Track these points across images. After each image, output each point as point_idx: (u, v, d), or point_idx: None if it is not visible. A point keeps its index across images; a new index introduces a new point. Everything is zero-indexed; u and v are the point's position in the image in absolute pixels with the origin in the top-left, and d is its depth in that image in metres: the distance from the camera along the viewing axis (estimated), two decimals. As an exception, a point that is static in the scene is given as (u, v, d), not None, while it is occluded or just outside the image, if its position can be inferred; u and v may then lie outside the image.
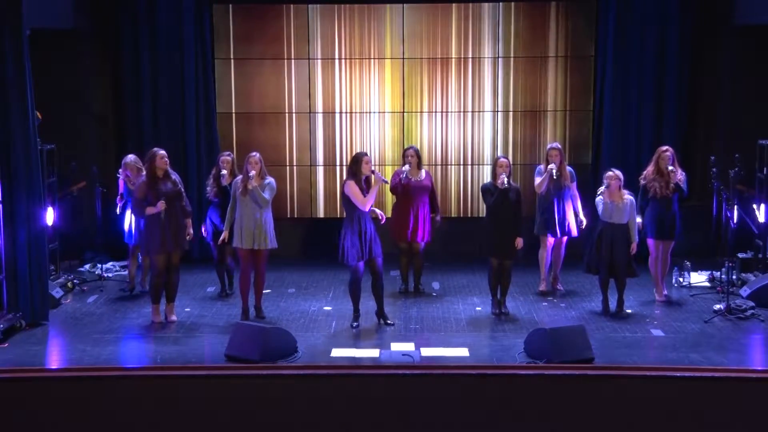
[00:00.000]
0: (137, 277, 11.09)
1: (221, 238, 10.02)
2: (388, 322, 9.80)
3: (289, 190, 13.15)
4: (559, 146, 10.88)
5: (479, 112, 13.05)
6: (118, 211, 11.08)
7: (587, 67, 12.97)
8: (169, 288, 9.93)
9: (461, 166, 13.14)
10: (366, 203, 9.54)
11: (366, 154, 9.71)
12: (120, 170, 10.98)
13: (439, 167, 13.09)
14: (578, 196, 10.95)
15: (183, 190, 9.94)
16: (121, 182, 11.01)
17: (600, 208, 10.06)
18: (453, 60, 12.96)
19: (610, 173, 10.08)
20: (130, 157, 10.90)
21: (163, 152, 9.81)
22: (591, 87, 12.95)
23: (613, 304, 10.17)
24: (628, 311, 10.17)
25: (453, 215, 13.14)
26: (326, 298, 10.97)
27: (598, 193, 10.16)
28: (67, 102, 12.24)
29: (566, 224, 10.79)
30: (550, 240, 10.81)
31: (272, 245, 9.94)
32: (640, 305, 10.49)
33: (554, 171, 10.57)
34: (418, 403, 7.82)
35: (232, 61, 12.99)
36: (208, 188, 10.84)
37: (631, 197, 10.12)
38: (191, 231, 10.02)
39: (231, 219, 9.88)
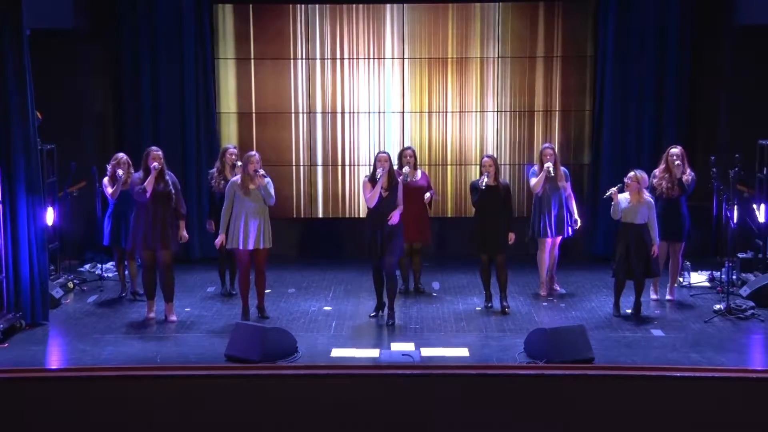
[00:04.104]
0: (126, 279, 11.02)
1: (219, 242, 9.84)
2: (389, 322, 9.80)
3: (290, 190, 13.14)
4: (553, 146, 10.85)
5: (479, 112, 13.04)
6: (105, 200, 10.86)
7: (587, 67, 12.97)
8: (164, 288, 9.89)
9: (461, 167, 13.13)
10: (369, 201, 9.74)
11: (380, 153, 9.97)
12: (108, 166, 10.76)
13: (439, 167, 13.08)
14: (572, 196, 10.93)
15: (177, 192, 9.86)
16: (104, 186, 10.73)
17: (613, 208, 10.01)
18: (453, 60, 12.96)
19: (631, 174, 9.98)
20: (122, 155, 10.79)
21: (157, 152, 9.75)
22: (591, 87, 12.95)
23: (625, 307, 10.12)
24: (628, 311, 10.15)
25: (452, 215, 13.14)
26: (326, 298, 10.97)
27: (609, 192, 10.08)
28: (67, 102, 12.23)
29: (561, 224, 10.77)
30: (548, 241, 10.80)
31: (270, 244, 9.92)
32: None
33: (551, 168, 10.55)
34: (418, 403, 7.82)
35: (233, 61, 12.99)
36: (213, 182, 10.71)
37: (651, 199, 10.03)
38: (185, 234, 9.96)
39: (227, 221, 9.79)
